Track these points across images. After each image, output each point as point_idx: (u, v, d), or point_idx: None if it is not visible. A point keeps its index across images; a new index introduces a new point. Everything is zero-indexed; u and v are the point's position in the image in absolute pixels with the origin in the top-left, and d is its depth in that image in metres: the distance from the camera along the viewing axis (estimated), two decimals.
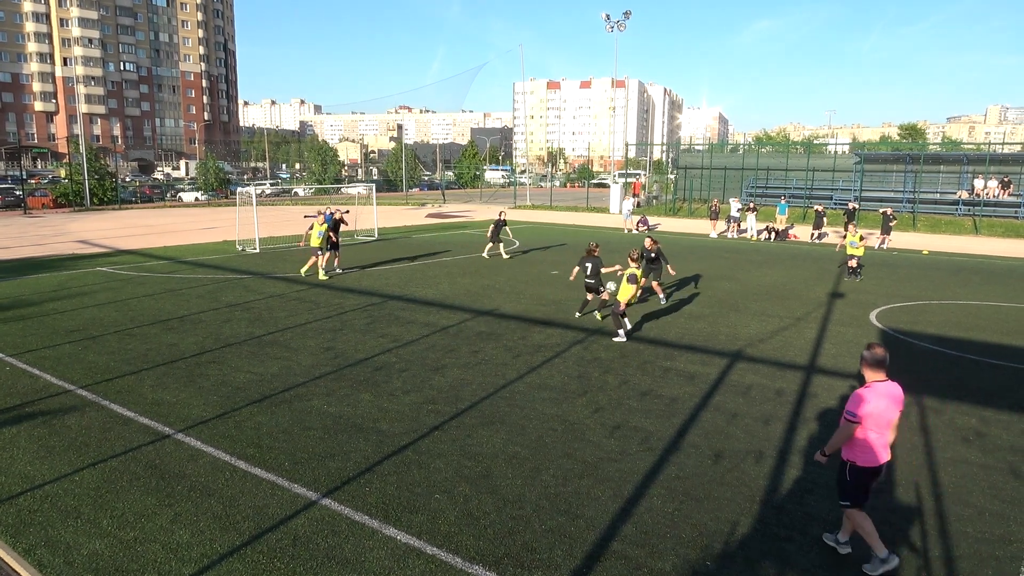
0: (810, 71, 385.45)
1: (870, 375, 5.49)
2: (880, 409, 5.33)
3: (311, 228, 19.17)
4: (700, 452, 7.70)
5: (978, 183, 40.08)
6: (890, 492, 6.86)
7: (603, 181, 79.20)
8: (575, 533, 5.95)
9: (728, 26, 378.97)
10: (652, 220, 39.00)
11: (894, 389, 5.47)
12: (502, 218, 23.82)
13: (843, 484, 5.56)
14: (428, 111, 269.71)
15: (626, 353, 11.76)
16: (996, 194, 39.41)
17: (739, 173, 48.01)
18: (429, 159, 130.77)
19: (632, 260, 12.83)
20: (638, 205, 43.74)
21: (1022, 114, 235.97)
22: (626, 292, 12.63)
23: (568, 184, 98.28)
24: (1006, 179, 39.84)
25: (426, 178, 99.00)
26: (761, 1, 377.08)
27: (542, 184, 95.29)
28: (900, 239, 31.38)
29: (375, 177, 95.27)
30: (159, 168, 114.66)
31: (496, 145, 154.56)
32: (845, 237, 20.79)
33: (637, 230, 35.32)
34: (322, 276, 18.93)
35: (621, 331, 12.66)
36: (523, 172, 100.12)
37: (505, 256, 23.56)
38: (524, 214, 44.70)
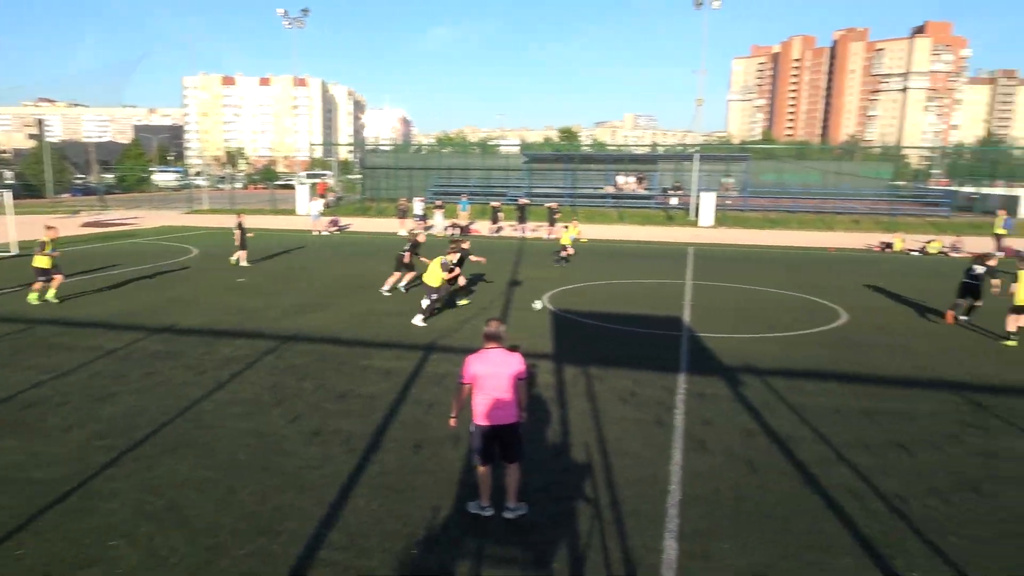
0: (483, 77, 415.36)
1: (485, 344, 6.33)
2: (486, 373, 6.13)
3: (44, 249, 15.88)
4: (400, 445, 7.90)
5: (620, 179, 47.20)
6: (567, 453, 7.74)
7: (289, 182, 76.35)
8: (278, 550, 5.71)
9: (408, 31, 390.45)
10: (343, 220, 38.70)
11: (502, 356, 6.23)
12: (240, 221, 22.44)
13: (470, 443, 6.39)
14: (78, 105, 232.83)
15: (323, 356, 11.56)
16: (634, 188, 46.70)
17: (424, 173, 50.01)
18: (82, 160, 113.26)
19: (452, 251, 14.77)
20: (327, 206, 42.96)
21: (650, 121, 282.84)
22: (437, 277, 14.20)
23: (251, 186, 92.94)
24: (641, 176, 47.41)
25: (79, 182, 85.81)
26: (438, 10, 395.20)
27: (221, 186, 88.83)
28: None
29: (9, 181, 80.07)
30: None
31: (165, 144, 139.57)
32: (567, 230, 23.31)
33: (327, 231, 34.79)
34: (50, 296, 15.92)
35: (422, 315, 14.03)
36: (198, 174, 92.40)
37: (244, 263, 22.12)
38: (201, 219, 41.25)
